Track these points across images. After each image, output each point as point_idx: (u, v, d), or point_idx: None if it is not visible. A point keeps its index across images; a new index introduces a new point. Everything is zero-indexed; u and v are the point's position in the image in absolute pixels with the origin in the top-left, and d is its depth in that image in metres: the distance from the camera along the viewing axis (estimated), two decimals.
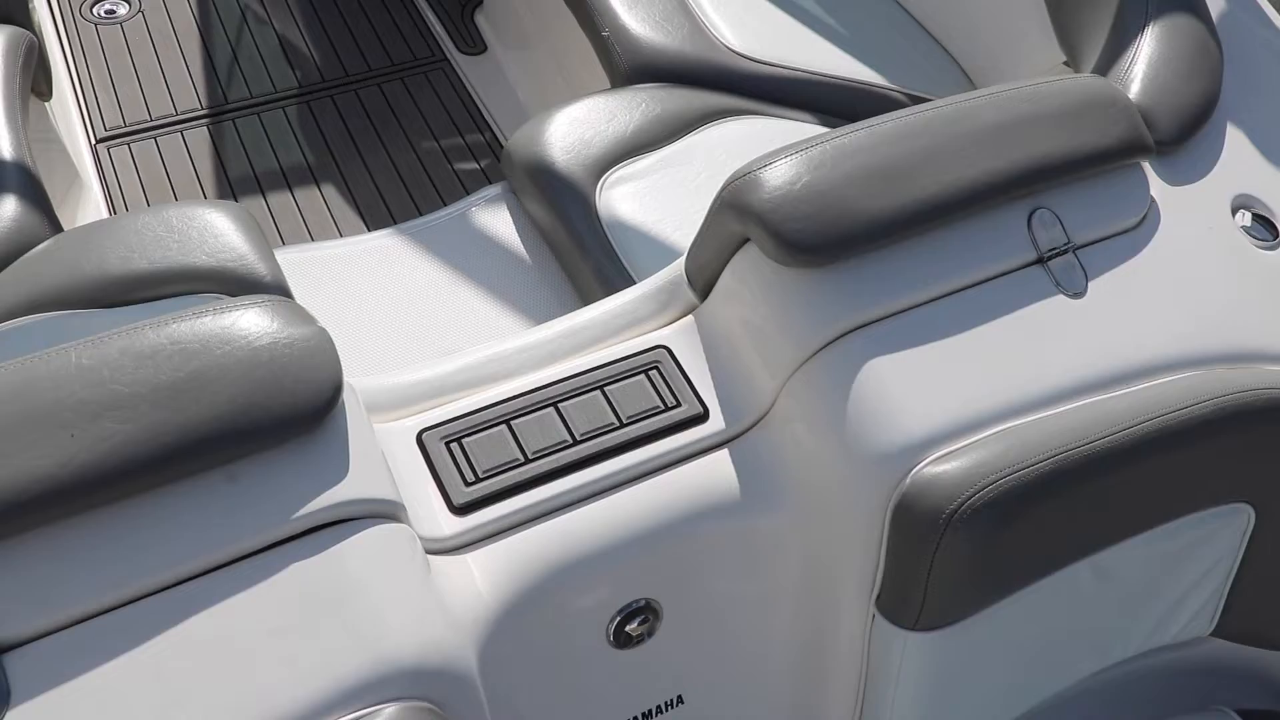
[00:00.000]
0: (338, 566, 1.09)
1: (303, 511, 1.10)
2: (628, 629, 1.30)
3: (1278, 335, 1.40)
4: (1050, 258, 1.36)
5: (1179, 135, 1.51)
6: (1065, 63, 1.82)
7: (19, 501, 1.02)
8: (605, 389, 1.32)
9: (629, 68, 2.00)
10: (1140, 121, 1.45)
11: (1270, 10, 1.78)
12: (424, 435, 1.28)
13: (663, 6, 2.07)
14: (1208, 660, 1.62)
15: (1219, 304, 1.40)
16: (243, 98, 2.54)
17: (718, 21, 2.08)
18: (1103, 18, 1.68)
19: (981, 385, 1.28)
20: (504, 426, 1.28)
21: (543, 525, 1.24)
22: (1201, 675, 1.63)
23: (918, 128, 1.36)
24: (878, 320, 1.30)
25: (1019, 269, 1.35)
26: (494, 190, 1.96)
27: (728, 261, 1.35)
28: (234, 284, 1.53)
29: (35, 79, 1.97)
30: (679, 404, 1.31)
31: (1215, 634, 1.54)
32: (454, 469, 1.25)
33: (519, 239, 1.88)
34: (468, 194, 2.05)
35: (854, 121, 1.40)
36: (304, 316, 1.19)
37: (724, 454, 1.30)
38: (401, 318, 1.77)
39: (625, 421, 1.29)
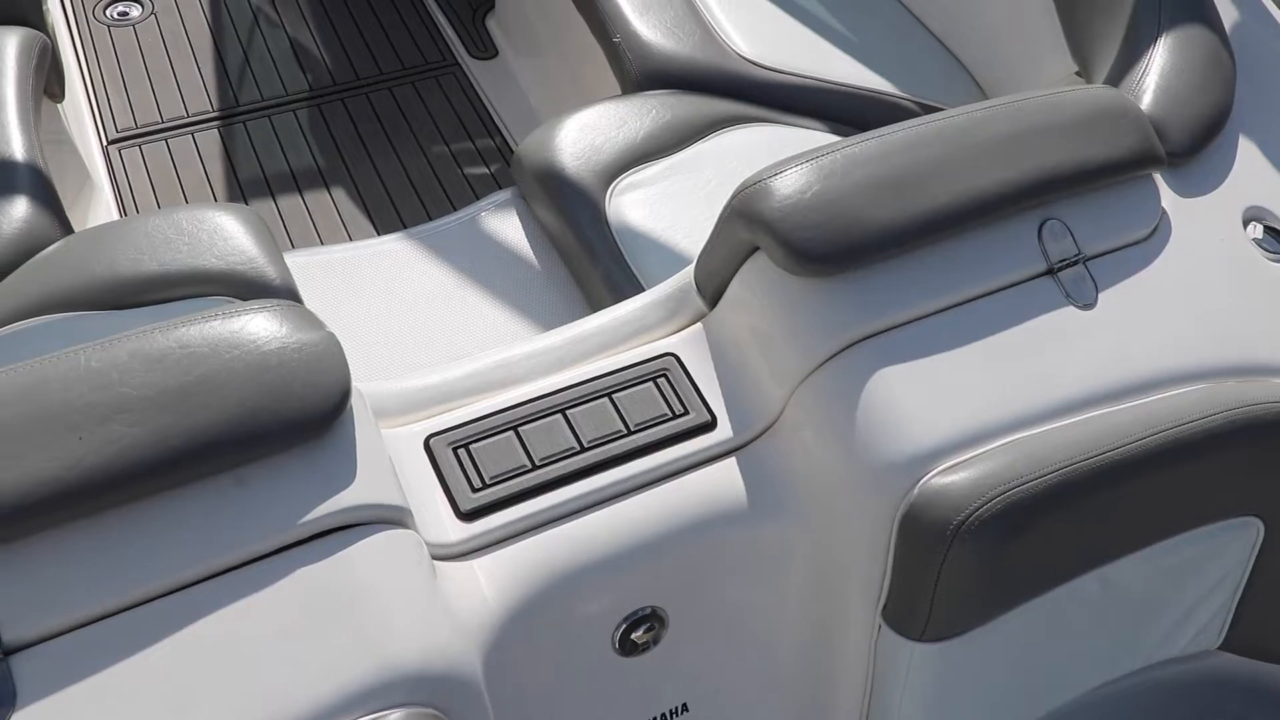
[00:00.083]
0: (344, 571, 1.09)
1: (310, 516, 1.10)
2: (633, 636, 1.30)
3: None
4: (1060, 269, 1.36)
5: (1191, 147, 1.50)
6: (1077, 73, 1.82)
7: (27, 503, 1.02)
8: (613, 396, 1.32)
9: (640, 74, 2.00)
10: (1152, 133, 1.44)
11: None
12: (431, 441, 1.28)
13: (674, 13, 2.07)
14: (1215, 673, 1.61)
15: (1229, 316, 1.40)
16: (254, 100, 2.55)
17: (729, 28, 2.08)
18: (1115, 28, 1.67)
19: (990, 396, 1.27)
20: (511, 433, 1.28)
21: (549, 532, 1.24)
22: (1209, 688, 1.63)
23: (929, 137, 1.36)
24: (887, 330, 1.29)
25: (1029, 280, 1.35)
26: (504, 195, 1.96)
27: (737, 270, 1.35)
28: (243, 287, 1.54)
29: (48, 80, 1.97)
30: (687, 412, 1.31)
31: (1223, 647, 1.54)
32: (461, 475, 1.25)
33: (528, 244, 1.88)
34: (477, 199, 2.05)
35: (865, 130, 1.40)
36: (313, 321, 1.19)
37: (731, 462, 1.30)
38: (410, 322, 1.77)
39: (633, 429, 1.29)
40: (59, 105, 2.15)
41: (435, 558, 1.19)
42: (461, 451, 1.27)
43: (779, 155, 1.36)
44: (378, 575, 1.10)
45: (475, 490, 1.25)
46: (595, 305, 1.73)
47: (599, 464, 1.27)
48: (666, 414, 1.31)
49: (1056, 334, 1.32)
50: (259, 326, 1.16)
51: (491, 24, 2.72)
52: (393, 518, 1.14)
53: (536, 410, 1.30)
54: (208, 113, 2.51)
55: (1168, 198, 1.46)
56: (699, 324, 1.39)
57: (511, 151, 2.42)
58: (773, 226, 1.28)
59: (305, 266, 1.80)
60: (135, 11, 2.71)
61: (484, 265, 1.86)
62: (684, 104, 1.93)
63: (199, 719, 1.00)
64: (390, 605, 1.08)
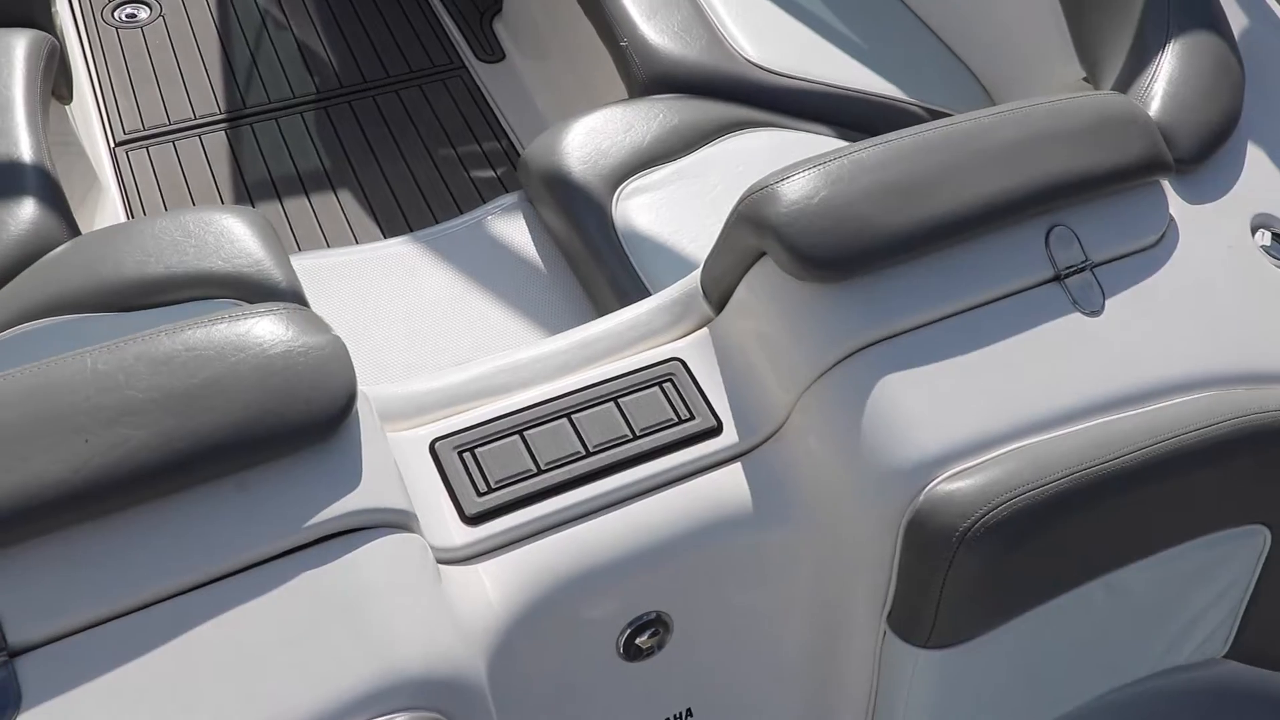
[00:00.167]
0: (349, 575, 1.09)
1: (315, 520, 1.10)
2: (638, 641, 1.30)
3: None
4: (1067, 275, 1.36)
5: (1199, 153, 1.50)
6: (1085, 79, 1.82)
7: (32, 506, 1.02)
8: (619, 401, 1.32)
9: (647, 78, 2.00)
10: (1160, 139, 1.44)
11: None
12: (437, 444, 1.28)
13: (681, 17, 2.07)
14: (1221, 682, 1.60)
15: (1237, 324, 1.39)
16: (261, 103, 2.55)
17: (736, 33, 2.08)
18: (1123, 34, 1.67)
19: (996, 403, 1.27)
20: (517, 437, 1.28)
21: (554, 536, 1.24)
22: (1215, 697, 1.62)
23: (936, 143, 1.36)
24: (893, 336, 1.29)
25: (1036, 286, 1.35)
26: (510, 199, 1.96)
27: (743, 275, 1.35)
28: (250, 290, 1.54)
29: (56, 82, 1.98)
30: (692, 417, 1.31)
31: (1229, 656, 1.53)
32: (466, 479, 1.25)
33: (534, 248, 1.88)
34: (484, 202, 2.05)
35: (872, 135, 1.40)
36: (319, 325, 1.19)
37: (737, 468, 1.30)
38: (416, 325, 1.78)
39: (638, 434, 1.29)
40: (67, 107, 2.15)
41: (440, 562, 1.19)
42: (467, 455, 1.27)
43: (786, 160, 1.36)
44: (382, 579, 1.10)
45: (480, 494, 1.24)
46: (601, 309, 1.73)
47: (604, 468, 1.27)
48: (672, 419, 1.31)
49: (1063, 341, 1.32)
50: (265, 330, 1.16)
51: (498, 27, 2.72)
52: (398, 522, 1.14)
53: (542, 414, 1.30)
54: (215, 115, 2.52)
55: (1175, 205, 1.46)
56: (705, 329, 1.39)
57: (518, 155, 2.42)
58: (779, 232, 1.28)
59: (311, 269, 1.80)
60: (143, 14, 2.71)
61: (490, 269, 1.86)
62: (691, 108, 1.93)
63: None
64: (395, 609, 1.08)
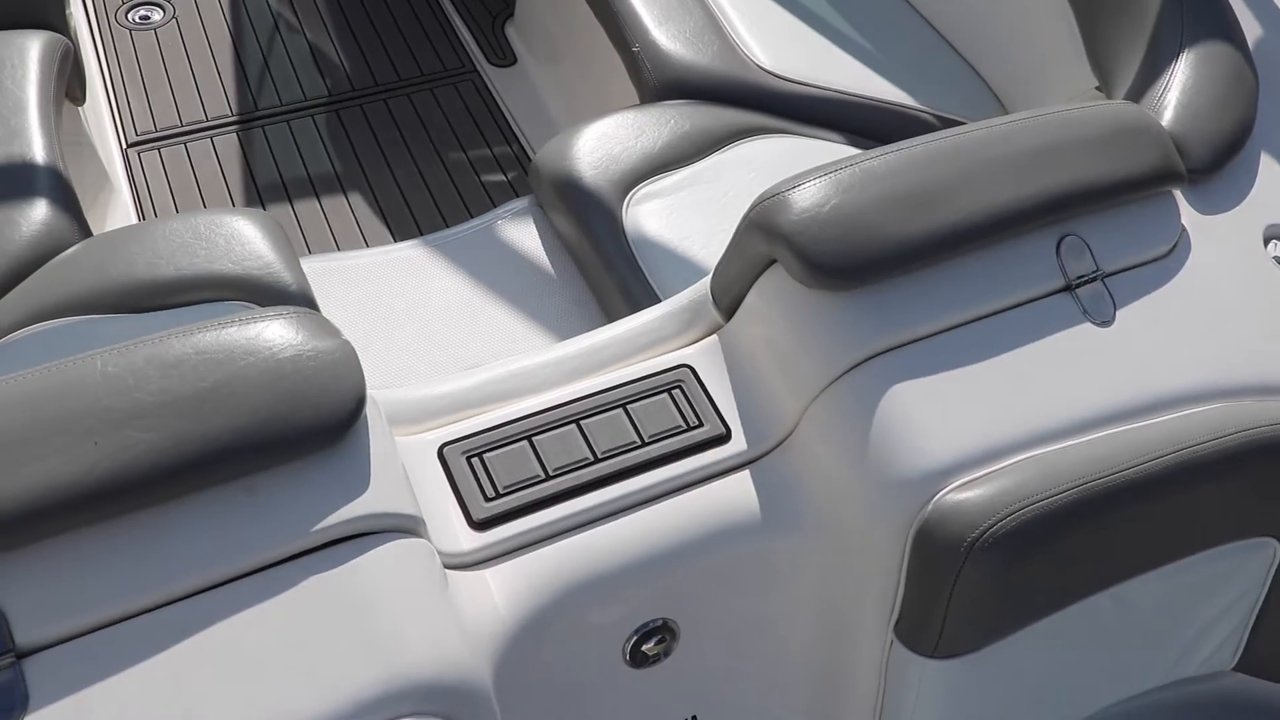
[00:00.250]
0: (356, 580, 1.09)
1: (323, 524, 1.10)
2: (644, 648, 1.30)
3: None
4: (1079, 285, 1.36)
5: (1212, 164, 1.49)
6: (1098, 88, 1.81)
7: (40, 508, 1.02)
8: (628, 407, 1.31)
9: (658, 84, 2.00)
10: (1172, 149, 1.43)
11: None
12: (445, 449, 1.28)
13: (693, 23, 2.07)
14: (1230, 694, 1.60)
15: (1249, 335, 1.39)
16: (273, 105, 2.56)
17: (748, 39, 2.08)
18: (1137, 43, 1.67)
19: (1006, 413, 1.27)
20: (525, 442, 1.28)
21: (562, 542, 1.24)
22: (1223, 709, 1.61)
23: (948, 152, 1.35)
24: (903, 345, 1.29)
25: (1047, 296, 1.35)
26: (521, 204, 1.97)
27: (753, 282, 1.35)
28: (260, 292, 1.54)
29: (69, 83, 1.98)
30: (701, 424, 1.31)
31: (1238, 668, 1.52)
32: (474, 484, 1.25)
33: (545, 253, 1.88)
34: (494, 206, 2.05)
35: (883, 142, 1.39)
36: (328, 329, 1.19)
37: (745, 475, 1.30)
38: (425, 330, 1.78)
39: (647, 440, 1.29)
40: (80, 108, 2.16)
41: (447, 567, 1.19)
42: (475, 460, 1.27)
43: (797, 167, 1.36)
44: (390, 584, 1.10)
45: (488, 499, 1.24)
46: (611, 315, 1.73)
47: (613, 475, 1.27)
48: (681, 426, 1.30)
49: (1074, 351, 1.32)
50: (275, 333, 1.16)
51: (510, 31, 2.72)
52: (405, 526, 1.14)
53: (551, 420, 1.30)
54: (227, 117, 2.52)
55: (1188, 215, 1.45)
56: (714, 336, 1.39)
57: (529, 159, 2.42)
58: (790, 240, 1.27)
59: (322, 273, 1.81)
60: (157, 15, 2.72)
61: (500, 273, 1.86)
62: (702, 114, 1.93)
63: None
64: (402, 614, 1.08)
